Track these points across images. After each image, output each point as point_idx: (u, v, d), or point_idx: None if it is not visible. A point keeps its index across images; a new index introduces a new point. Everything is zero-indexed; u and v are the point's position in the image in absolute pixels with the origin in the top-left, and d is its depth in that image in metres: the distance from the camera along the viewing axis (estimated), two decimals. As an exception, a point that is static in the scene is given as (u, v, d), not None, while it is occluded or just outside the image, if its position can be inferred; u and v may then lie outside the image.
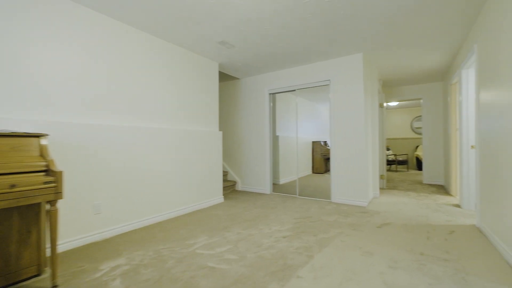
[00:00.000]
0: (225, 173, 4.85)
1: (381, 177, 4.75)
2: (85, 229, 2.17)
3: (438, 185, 5.04)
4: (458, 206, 3.36)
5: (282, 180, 4.65)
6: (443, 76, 4.77)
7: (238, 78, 4.81)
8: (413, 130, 8.63)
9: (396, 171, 7.58)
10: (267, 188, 4.40)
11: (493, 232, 2.12)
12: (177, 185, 3.03)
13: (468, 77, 3.14)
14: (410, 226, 2.56)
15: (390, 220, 2.77)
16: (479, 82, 2.48)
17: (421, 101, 5.40)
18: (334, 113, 3.71)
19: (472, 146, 3.14)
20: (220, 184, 3.73)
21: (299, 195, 4.10)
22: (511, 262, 1.73)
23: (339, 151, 3.68)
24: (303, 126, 4.40)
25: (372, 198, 3.92)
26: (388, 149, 8.22)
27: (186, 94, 3.25)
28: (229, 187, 4.63)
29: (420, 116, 8.45)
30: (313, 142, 4.73)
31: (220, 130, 5.10)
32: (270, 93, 4.44)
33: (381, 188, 4.72)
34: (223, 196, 3.93)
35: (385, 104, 6.76)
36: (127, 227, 2.47)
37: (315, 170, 4.75)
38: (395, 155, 7.62)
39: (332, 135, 3.74)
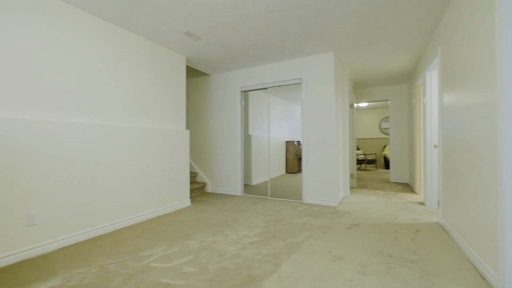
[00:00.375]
0: (194, 175, 4.59)
1: (352, 176, 4.81)
2: (15, 244, 1.82)
3: (404, 183, 5.24)
4: (422, 203, 3.46)
5: (255, 181, 4.50)
6: (409, 78, 4.97)
7: (208, 74, 4.57)
8: (381, 130, 9.01)
9: (366, 170, 7.84)
10: (238, 190, 4.22)
11: (455, 229, 2.16)
12: (136, 189, 2.74)
13: (431, 79, 3.24)
14: (379, 226, 2.55)
15: (360, 220, 2.74)
16: (442, 84, 2.53)
17: (389, 102, 5.59)
18: (306, 112, 3.65)
19: (435, 146, 3.25)
20: (186, 187, 3.48)
21: (271, 197, 3.98)
22: (472, 259, 1.75)
23: (310, 151, 3.62)
24: (277, 125, 4.30)
25: (343, 197, 3.92)
26: (358, 149, 8.48)
27: (148, 89, 2.96)
28: (198, 190, 4.38)
29: (387, 117, 8.84)
30: (286, 142, 4.66)
31: (188, 128, 4.82)
32: (242, 91, 4.27)
33: (352, 187, 4.78)
34: (190, 200, 3.68)
35: (355, 105, 6.94)
36: (72, 239, 2.15)
37: (288, 170, 4.69)
38: (364, 154, 7.88)
39: (304, 134, 3.67)
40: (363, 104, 7.55)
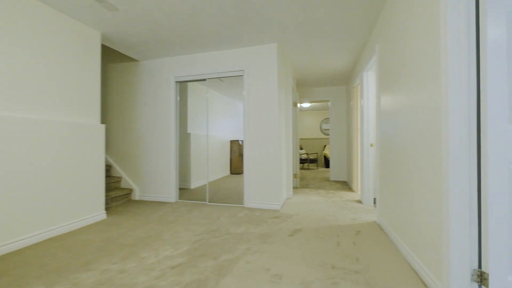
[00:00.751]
0: (117, 179, 3.82)
1: (295, 176, 4.74)
2: None
3: (342, 181, 5.45)
4: (359, 202, 3.53)
5: (194, 184, 4.01)
6: (348, 80, 5.17)
7: (137, 60, 3.87)
8: (322, 131, 9.46)
9: (308, 169, 8.07)
10: (172, 196, 3.66)
11: (393, 230, 2.12)
12: (18, 203, 1.96)
13: (368, 79, 3.31)
14: (321, 229, 2.39)
15: (302, 224, 2.55)
16: (380, 84, 2.52)
17: (329, 103, 5.76)
18: (247, 108, 3.34)
19: (371, 145, 3.32)
20: (101, 196, 2.77)
21: (209, 202, 3.55)
22: (412, 263, 1.67)
23: (252, 151, 3.33)
24: (220, 123, 3.91)
25: (286, 198, 3.76)
26: (301, 148, 8.70)
27: (47, 70, 2.19)
28: (122, 197, 3.65)
29: (327, 118, 9.34)
30: (231, 141, 4.31)
31: (112, 124, 4.00)
32: (177, 81, 3.72)
33: (295, 187, 4.70)
34: (106, 212, 2.96)
35: (298, 105, 7.02)
36: None
37: (233, 171, 4.35)
38: (307, 154, 8.10)
39: (246, 132, 3.36)
40: (306, 105, 7.75)
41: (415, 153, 1.63)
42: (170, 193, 3.67)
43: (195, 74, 3.57)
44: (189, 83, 3.86)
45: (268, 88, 3.23)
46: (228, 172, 4.34)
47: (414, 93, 1.64)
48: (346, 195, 4.01)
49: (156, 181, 3.75)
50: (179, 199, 3.74)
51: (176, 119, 3.71)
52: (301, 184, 5.08)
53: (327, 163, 8.37)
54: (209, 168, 3.75)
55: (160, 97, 3.74)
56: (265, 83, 3.24)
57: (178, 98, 3.76)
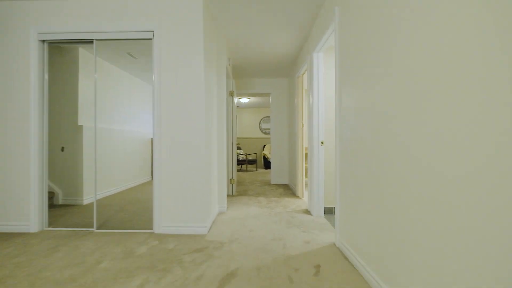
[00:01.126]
0: None
1: (231, 181, 3.87)
2: None
3: (284, 184, 4.87)
4: (308, 212, 2.90)
5: (89, 199, 2.70)
6: (291, 71, 4.61)
7: (-32, 1, 2.32)
8: (261, 130, 8.92)
9: (247, 171, 7.35)
10: (32, 222, 2.28)
11: (362, 259, 1.45)
12: None
13: (319, 63, 2.70)
14: (265, 269, 1.57)
15: (237, 261, 1.68)
16: (340, 66, 1.88)
17: (270, 98, 5.13)
18: (159, 88, 2.28)
19: (321, 143, 2.73)
20: None
21: (99, 229, 2.33)
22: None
23: (167, 151, 2.30)
24: (139, 116, 2.77)
25: (218, 213, 2.84)
26: (239, 148, 7.93)
27: None
28: None
29: (267, 116, 8.84)
30: (152, 139, 3.17)
31: None
32: (43, 40, 2.36)
33: (230, 196, 3.83)
34: None
35: (236, 99, 6.22)
36: None
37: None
38: (246, 154, 7.37)
39: (156, 123, 2.31)
40: (244, 100, 7.01)
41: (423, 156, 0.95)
42: (29, 219, 2.29)
43: (76, 32, 2.30)
44: (81, 52, 2.56)
45: (190, 61, 2.25)
46: (149, 177, 3.20)
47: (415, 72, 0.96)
48: (291, 203, 3.36)
49: (6, 200, 2.30)
50: (50, 226, 2.39)
51: (42, 101, 2.36)
52: (238, 191, 4.24)
53: (267, 164, 7.82)
54: (116, 173, 2.60)
55: (12, 65, 2.31)
56: (186, 54, 2.26)
57: (47, 75, 2.40)
